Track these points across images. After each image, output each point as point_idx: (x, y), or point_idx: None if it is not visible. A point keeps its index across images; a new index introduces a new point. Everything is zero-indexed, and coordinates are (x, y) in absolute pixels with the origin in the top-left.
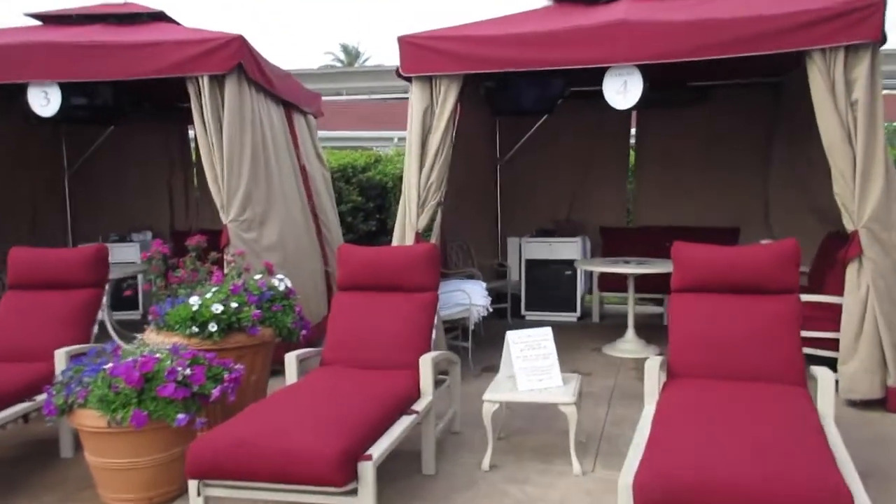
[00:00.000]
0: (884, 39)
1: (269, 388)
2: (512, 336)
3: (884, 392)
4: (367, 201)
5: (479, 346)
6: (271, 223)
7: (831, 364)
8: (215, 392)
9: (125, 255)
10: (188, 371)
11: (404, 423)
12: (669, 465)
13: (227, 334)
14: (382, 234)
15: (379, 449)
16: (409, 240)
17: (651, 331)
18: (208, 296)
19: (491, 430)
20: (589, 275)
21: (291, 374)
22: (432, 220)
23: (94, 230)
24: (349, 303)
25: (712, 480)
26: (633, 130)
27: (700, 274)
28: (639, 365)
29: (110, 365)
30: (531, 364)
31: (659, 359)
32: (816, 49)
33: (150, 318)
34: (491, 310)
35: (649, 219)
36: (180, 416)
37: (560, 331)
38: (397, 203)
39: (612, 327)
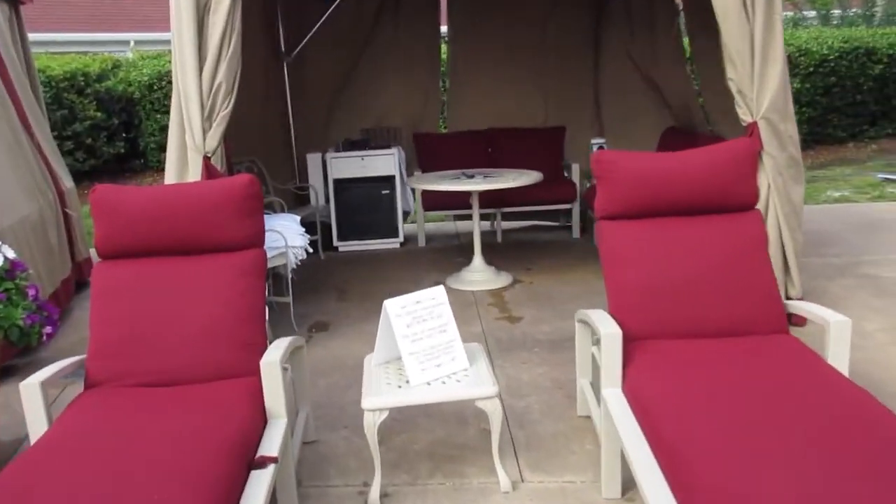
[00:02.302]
0: None
1: (3, 419)
2: (392, 308)
3: None
4: (109, 117)
5: (294, 295)
6: None
7: None
8: None
9: None
10: None
11: (259, 484)
12: None
13: None
14: (134, 157)
15: None
16: (195, 169)
17: (488, 252)
18: None
19: (377, 448)
20: (411, 191)
21: (36, 420)
22: (222, 137)
23: None
24: (122, 280)
25: None
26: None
27: (636, 192)
28: (498, 300)
29: None
30: (424, 344)
31: (607, 318)
32: None
33: None
34: (311, 250)
35: (464, 122)
36: None
37: (385, 261)
38: (149, 119)
39: (443, 251)
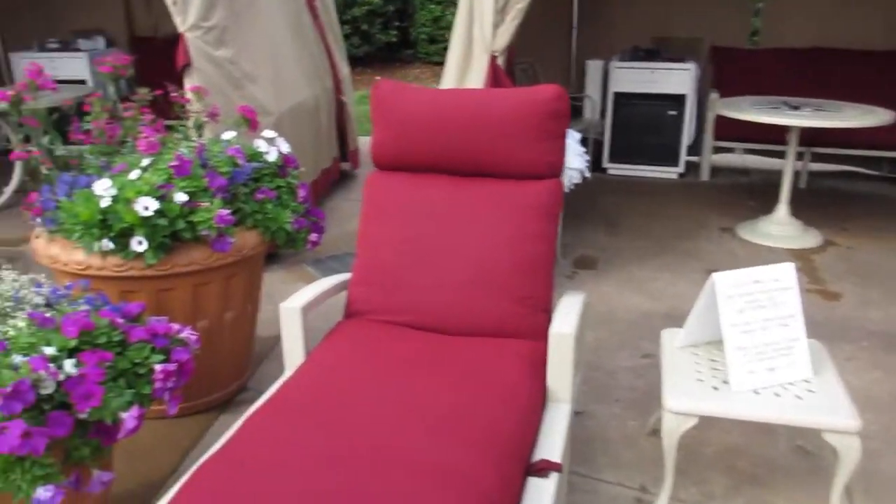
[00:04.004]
0: None
1: (264, 307)
2: (722, 284)
3: None
4: (385, 3)
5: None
6: (252, 31)
7: None
8: (129, 419)
9: (71, 68)
10: (70, 369)
11: (539, 501)
12: None
13: (169, 252)
14: (404, 46)
15: None
16: (479, 68)
17: (790, 200)
18: (132, 176)
19: (673, 458)
20: (699, 116)
21: (292, 349)
22: (513, 34)
23: (24, 33)
24: (396, 197)
25: None
26: None
27: None
28: (806, 265)
29: None
30: (757, 338)
31: None
32: None
33: (31, 215)
34: (588, 175)
35: (781, 38)
36: (43, 491)
37: (661, 193)
38: (423, 9)
39: (730, 190)
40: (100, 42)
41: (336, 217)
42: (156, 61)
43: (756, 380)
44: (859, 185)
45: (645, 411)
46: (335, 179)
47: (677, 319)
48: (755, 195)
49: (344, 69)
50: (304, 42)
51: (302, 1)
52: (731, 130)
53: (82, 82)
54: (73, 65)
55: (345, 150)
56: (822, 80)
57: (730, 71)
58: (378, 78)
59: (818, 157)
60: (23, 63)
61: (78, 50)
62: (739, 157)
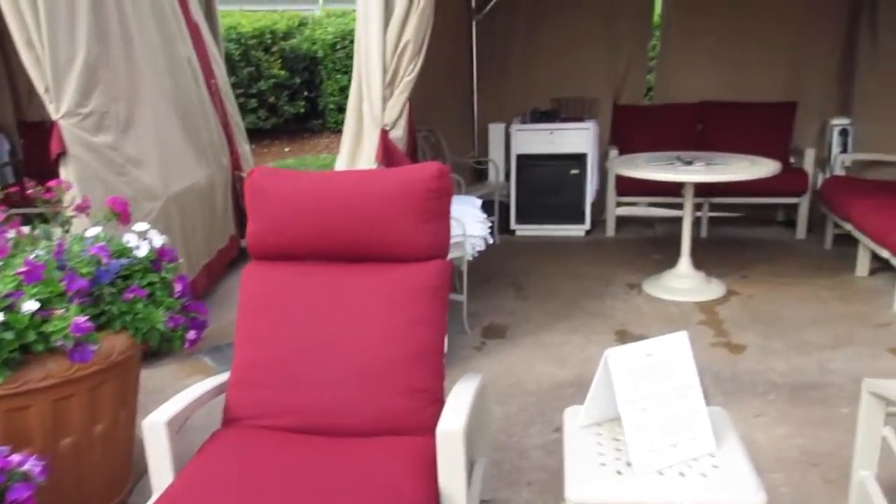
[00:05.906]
0: None
1: (152, 407)
2: (615, 361)
3: None
4: (292, 76)
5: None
6: (137, 113)
7: None
8: None
9: None
10: None
11: None
12: None
13: (19, 367)
14: (313, 116)
15: None
16: (370, 144)
17: (692, 250)
18: None
19: None
20: (601, 173)
21: (159, 468)
22: (404, 107)
23: None
24: (273, 289)
25: None
26: None
27: None
28: (710, 317)
29: None
30: (656, 414)
31: None
32: None
33: None
34: (491, 241)
35: (673, 94)
36: None
37: (569, 252)
38: (330, 79)
39: (636, 245)
40: None
41: (234, 300)
42: (45, 147)
43: (659, 459)
44: (757, 230)
45: (558, 493)
46: (233, 258)
47: (585, 387)
48: (660, 247)
49: (244, 145)
50: (196, 120)
51: (201, 79)
52: (632, 186)
53: None
54: None
55: (244, 227)
56: (710, 133)
57: (627, 128)
58: (287, 149)
59: (716, 206)
60: None
61: None
62: (644, 210)
